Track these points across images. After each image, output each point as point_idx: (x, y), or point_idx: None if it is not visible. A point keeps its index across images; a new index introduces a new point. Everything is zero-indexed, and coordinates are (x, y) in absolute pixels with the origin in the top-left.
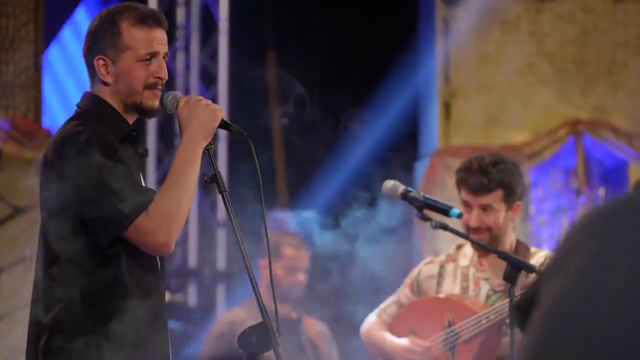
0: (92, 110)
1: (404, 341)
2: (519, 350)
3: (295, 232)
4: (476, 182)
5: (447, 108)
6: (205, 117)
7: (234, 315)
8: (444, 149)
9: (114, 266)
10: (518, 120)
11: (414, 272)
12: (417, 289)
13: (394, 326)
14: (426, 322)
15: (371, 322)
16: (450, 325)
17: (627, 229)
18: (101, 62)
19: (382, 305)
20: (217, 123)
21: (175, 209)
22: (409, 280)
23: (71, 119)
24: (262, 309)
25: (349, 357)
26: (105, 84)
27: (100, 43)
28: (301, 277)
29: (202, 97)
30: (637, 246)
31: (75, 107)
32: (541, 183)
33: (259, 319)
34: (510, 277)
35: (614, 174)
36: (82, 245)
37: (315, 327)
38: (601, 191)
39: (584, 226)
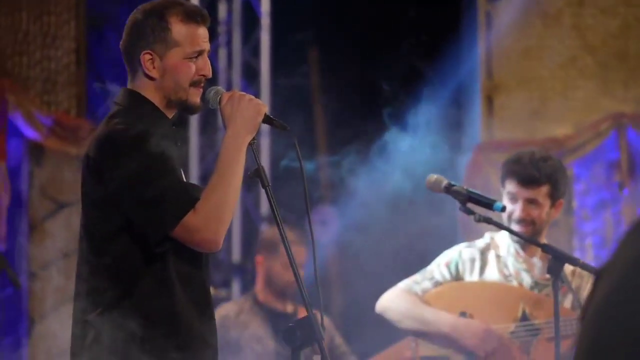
0: (131, 106)
1: (473, 322)
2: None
3: (295, 227)
4: (527, 174)
5: (489, 102)
6: (249, 112)
7: (226, 309)
8: (487, 143)
9: (160, 263)
10: (560, 113)
11: (452, 253)
12: (454, 268)
13: (433, 303)
14: (485, 307)
15: (399, 293)
16: (525, 317)
17: None
18: (148, 56)
19: (409, 279)
20: (261, 118)
21: (222, 205)
22: (445, 259)
23: (111, 116)
24: (307, 304)
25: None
26: (150, 78)
27: (147, 38)
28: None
29: (245, 93)
30: None
31: (114, 104)
32: (584, 177)
33: (250, 314)
34: (554, 270)
35: None
36: (127, 243)
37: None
38: None
39: (636, 224)
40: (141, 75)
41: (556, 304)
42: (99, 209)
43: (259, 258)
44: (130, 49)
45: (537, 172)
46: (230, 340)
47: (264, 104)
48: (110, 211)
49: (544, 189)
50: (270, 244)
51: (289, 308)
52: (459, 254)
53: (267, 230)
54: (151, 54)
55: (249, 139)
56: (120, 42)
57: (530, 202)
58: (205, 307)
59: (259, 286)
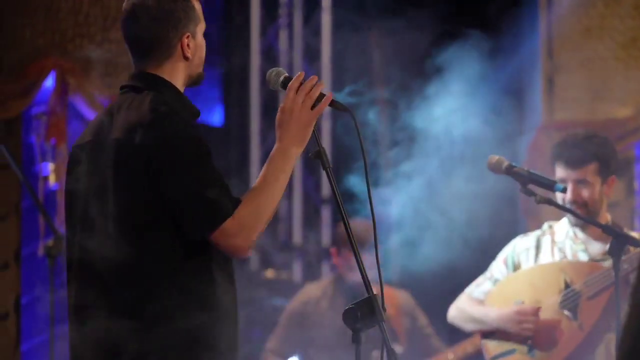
0: (162, 90)
1: (508, 309)
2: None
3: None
4: (571, 156)
5: (550, 83)
6: (304, 120)
7: (308, 294)
8: (548, 124)
9: (201, 257)
10: (622, 94)
11: (508, 248)
12: (511, 263)
13: (493, 301)
14: (535, 289)
15: (461, 300)
16: (568, 286)
17: None
18: (188, 38)
19: (472, 284)
20: (312, 127)
21: (261, 214)
22: (502, 255)
23: (143, 100)
24: (367, 285)
25: None
26: (186, 59)
27: (182, 20)
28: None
29: (308, 92)
30: None
31: (136, 88)
32: None
33: (334, 298)
34: (615, 251)
35: None
36: (169, 235)
37: (395, 300)
38: None
39: None
40: (176, 58)
41: (617, 284)
42: (140, 200)
43: (333, 250)
44: (163, 35)
45: (581, 151)
46: (309, 320)
47: (328, 95)
48: (154, 202)
49: (592, 167)
50: (344, 239)
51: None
52: (514, 247)
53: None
54: (189, 35)
55: (299, 151)
56: (140, 29)
57: (580, 182)
58: (236, 306)
59: (340, 270)
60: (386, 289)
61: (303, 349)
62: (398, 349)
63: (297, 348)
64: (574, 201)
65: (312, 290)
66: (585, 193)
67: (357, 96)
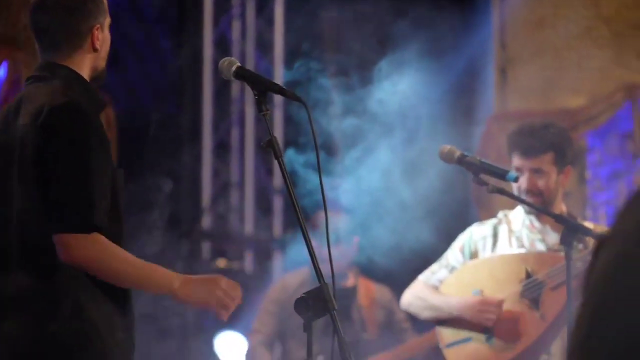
0: (70, 81)
1: (471, 298)
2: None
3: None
4: (528, 145)
5: (503, 73)
6: (204, 301)
7: (287, 280)
8: (501, 114)
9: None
10: (574, 84)
11: (464, 236)
12: (468, 251)
13: (449, 289)
14: (495, 279)
15: (417, 287)
16: (530, 275)
17: None
18: (97, 30)
19: (427, 271)
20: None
21: (108, 264)
22: (458, 243)
23: (49, 88)
24: (319, 274)
25: None
26: (95, 50)
27: (93, 11)
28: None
29: (226, 290)
30: None
31: (44, 77)
32: (597, 147)
33: (313, 285)
34: (567, 240)
35: None
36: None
37: (372, 293)
38: None
39: (636, 193)
40: (85, 50)
41: (568, 275)
42: (28, 183)
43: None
44: (75, 26)
45: (538, 141)
46: (287, 309)
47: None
48: (37, 187)
49: (547, 157)
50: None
51: (350, 282)
52: (470, 235)
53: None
54: (99, 27)
55: (169, 294)
56: (52, 20)
57: (536, 171)
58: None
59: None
60: (365, 282)
61: (283, 339)
62: (365, 336)
63: (279, 331)
64: (530, 190)
65: (291, 279)
66: (541, 182)
67: (308, 73)
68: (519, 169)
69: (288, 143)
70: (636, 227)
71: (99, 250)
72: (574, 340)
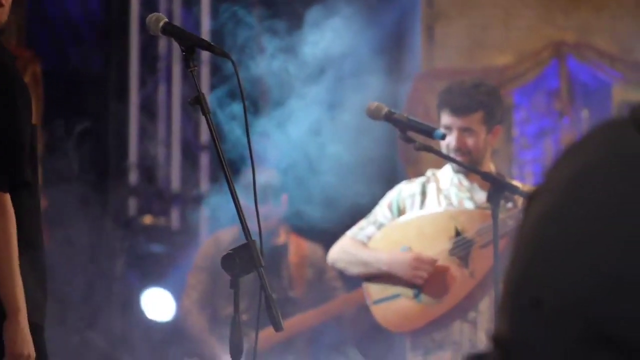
0: None
1: (403, 254)
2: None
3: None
4: (458, 104)
5: (430, 30)
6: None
7: (220, 236)
8: (427, 72)
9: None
10: (501, 42)
11: (392, 193)
12: (396, 208)
13: (377, 245)
14: (424, 236)
15: (345, 242)
16: (459, 233)
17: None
18: None
19: (355, 227)
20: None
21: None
22: (386, 200)
23: None
24: (246, 231)
25: None
26: (2, 5)
27: None
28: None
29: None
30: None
31: None
32: (524, 105)
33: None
34: (494, 198)
35: (597, 96)
36: None
37: (303, 251)
38: (584, 113)
39: (569, 147)
40: None
41: (495, 233)
42: None
43: None
44: None
45: (468, 99)
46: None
47: None
48: None
49: (477, 116)
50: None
51: (281, 239)
52: (399, 192)
53: None
54: None
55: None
56: None
57: (465, 130)
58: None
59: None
60: (297, 240)
61: (212, 296)
62: (292, 294)
63: (213, 289)
64: (459, 149)
65: (223, 236)
66: (470, 141)
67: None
68: (448, 127)
69: (215, 99)
70: (565, 181)
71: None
72: (505, 296)
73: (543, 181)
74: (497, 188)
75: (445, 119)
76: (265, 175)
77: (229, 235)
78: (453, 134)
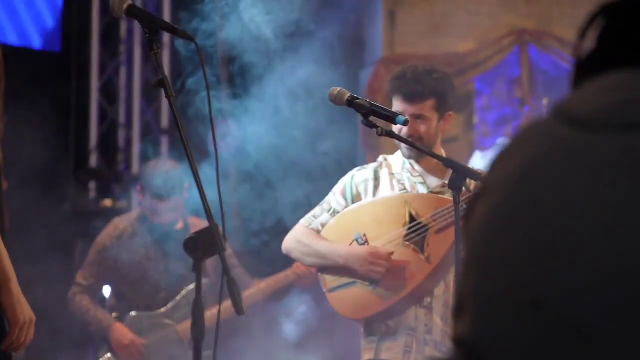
0: None
1: (360, 248)
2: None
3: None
4: (410, 90)
5: (391, 16)
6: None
7: (116, 227)
8: (389, 58)
9: None
10: (463, 29)
11: (345, 179)
12: (349, 194)
13: (331, 232)
14: (378, 222)
15: (299, 231)
16: (413, 219)
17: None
18: None
19: (309, 214)
20: None
21: None
22: (339, 187)
23: None
24: (208, 214)
25: None
26: None
27: None
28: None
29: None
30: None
31: None
32: (485, 92)
33: (143, 235)
34: (455, 184)
35: (558, 84)
36: None
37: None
38: (545, 101)
39: (513, 137)
40: None
41: (457, 219)
42: None
43: (138, 188)
44: None
45: (420, 86)
46: (121, 254)
47: None
48: None
49: (429, 102)
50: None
51: (179, 225)
52: (352, 178)
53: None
54: None
55: None
56: None
57: (417, 117)
58: None
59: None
60: (195, 220)
61: (115, 285)
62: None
63: (109, 283)
64: (410, 135)
65: (121, 224)
66: (421, 127)
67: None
68: (399, 114)
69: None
70: (509, 179)
71: None
72: (461, 288)
73: (484, 181)
74: (458, 173)
75: (398, 105)
76: (170, 169)
77: (126, 224)
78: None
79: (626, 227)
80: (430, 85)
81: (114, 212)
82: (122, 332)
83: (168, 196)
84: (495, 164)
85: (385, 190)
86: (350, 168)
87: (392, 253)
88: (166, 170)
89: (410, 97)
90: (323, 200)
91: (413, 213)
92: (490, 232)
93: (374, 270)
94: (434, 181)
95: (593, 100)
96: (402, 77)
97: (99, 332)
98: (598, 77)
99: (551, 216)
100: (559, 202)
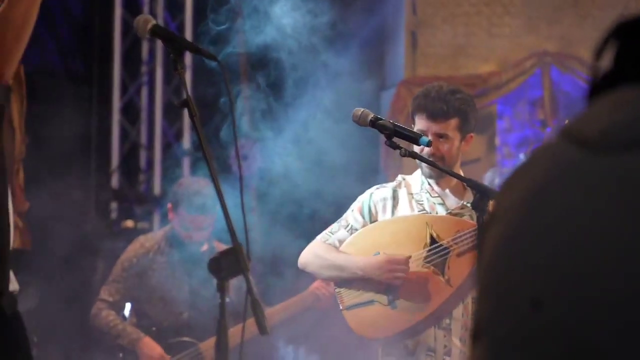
0: None
1: (377, 258)
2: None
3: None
4: (435, 109)
5: (413, 38)
6: None
7: (142, 246)
8: (410, 79)
9: None
10: (485, 51)
11: (364, 197)
12: (367, 212)
13: (349, 250)
14: (397, 242)
15: (316, 246)
16: (434, 241)
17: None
18: None
19: (326, 231)
20: None
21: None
22: (357, 204)
23: None
24: (233, 234)
25: None
26: None
27: None
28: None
29: None
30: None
31: None
32: (507, 114)
33: (170, 253)
34: (479, 205)
35: (579, 106)
36: None
37: None
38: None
39: (530, 157)
40: None
41: (479, 241)
42: None
43: (170, 206)
44: None
45: (445, 105)
46: (146, 272)
47: None
48: None
49: (453, 122)
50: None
51: (205, 247)
52: (370, 196)
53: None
54: None
55: None
56: None
57: (440, 136)
58: None
59: (174, 227)
60: (219, 245)
61: (138, 303)
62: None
63: (132, 301)
64: (433, 154)
65: (147, 242)
66: (444, 147)
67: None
68: (422, 132)
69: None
70: (521, 202)
71: None
72: (478, 313)
73: (496, 205)
74: (482, 195)
75: (421, 123)
76: (207, 188)
77: (152, 242)
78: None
79: (631, 251)
80: (454, 105)
81: (135, 233)
82: (152, 345)
83: (208, 211)
84: (506, 189)
85: (404, 210)
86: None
87: (409, 258)
88: (203, 186)
89: (434, 116)
90: (341, 217)
91: (434, 235)
92: (503, 258)
93: (394, 276)
94: (453, 202)
95: (600, 119)
96: (427, 96)
97: (129, 345)
98: (607, 95)
99: (562, 242)
100: (569, 227)
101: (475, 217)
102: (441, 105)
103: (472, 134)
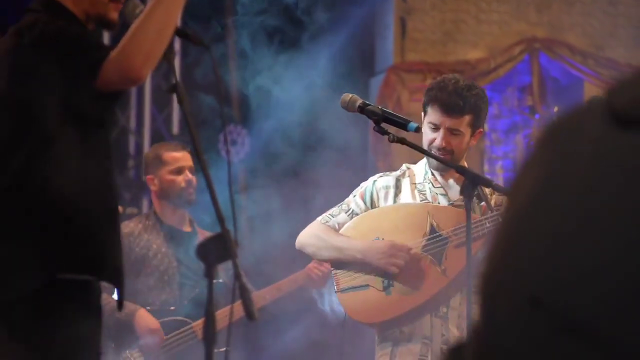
0: (54, 15)
1: (378, 242)
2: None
3: (173, 140)
4: (450, 103)
5: (402, 24)
6: None
7: (130, 227)
8: (399, 65)
9: None
10: (473, 37)
11: (367, 183)
12: (369, 198)
13: (349, 234)
14: (397, 228)
15: (316, 226)
16: (434, 230)
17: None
18: None
19: (326, 213)
20: None
21: (139, 34)
22: (360, 190)
23: (34, 22)
24: (221, 220)
25: None
26: None
27: None
28: (190, 176)
29: None
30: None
31: (29, 11)
32: (496, 100)
33: (153, 232)
34: (467, 192)
35: (568, 92)
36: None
37: None
38: (556, 109)
39: (538, 142)
40: None
41: (468, 226)
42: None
43: (148, 177)
44: None
45: (461, 100)
46: (137, 257)
47: None
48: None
49: (467, 118)
50: (153, 158)
51: (187, 228)
52: (373, 183)
53: (147, 152)
54: None
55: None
56: None
57: (452, 131)
58: None
59: (156, 204)
60: (201, 232)
61: (128, 282)
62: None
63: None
64: (443, 148)
65: (131, 226)
66: (455, 142)
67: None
68: (434, 124)
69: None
70: (534, 185)
71: (126, 45)
72: (483, 286)
73: (513, 183)
74: (471, 181)
75: (434, 115)
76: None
77: (137, 225)
78: (439, 131)
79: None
80: (470, 102)
81: (124, 218)
82: (148, 316)
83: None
84: (528, 162)
85: (406, 199)
86: (364, 175)
87: (411, 248)
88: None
89: (449, 111)
90: (342, 202)
91: (434, 225)
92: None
93: (394, 262)
94: (455, 194)
95: (634, 88)
96: (443, 89)
97: (125, 318)
98: None
99: (568, 233)
100: (578, 214)
101: (480, 209)
102: (457, 100)
103: (481, 130)
